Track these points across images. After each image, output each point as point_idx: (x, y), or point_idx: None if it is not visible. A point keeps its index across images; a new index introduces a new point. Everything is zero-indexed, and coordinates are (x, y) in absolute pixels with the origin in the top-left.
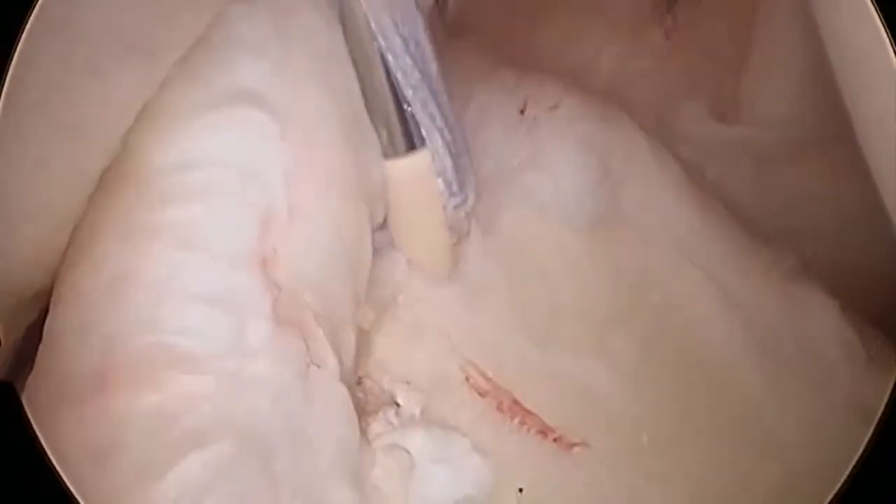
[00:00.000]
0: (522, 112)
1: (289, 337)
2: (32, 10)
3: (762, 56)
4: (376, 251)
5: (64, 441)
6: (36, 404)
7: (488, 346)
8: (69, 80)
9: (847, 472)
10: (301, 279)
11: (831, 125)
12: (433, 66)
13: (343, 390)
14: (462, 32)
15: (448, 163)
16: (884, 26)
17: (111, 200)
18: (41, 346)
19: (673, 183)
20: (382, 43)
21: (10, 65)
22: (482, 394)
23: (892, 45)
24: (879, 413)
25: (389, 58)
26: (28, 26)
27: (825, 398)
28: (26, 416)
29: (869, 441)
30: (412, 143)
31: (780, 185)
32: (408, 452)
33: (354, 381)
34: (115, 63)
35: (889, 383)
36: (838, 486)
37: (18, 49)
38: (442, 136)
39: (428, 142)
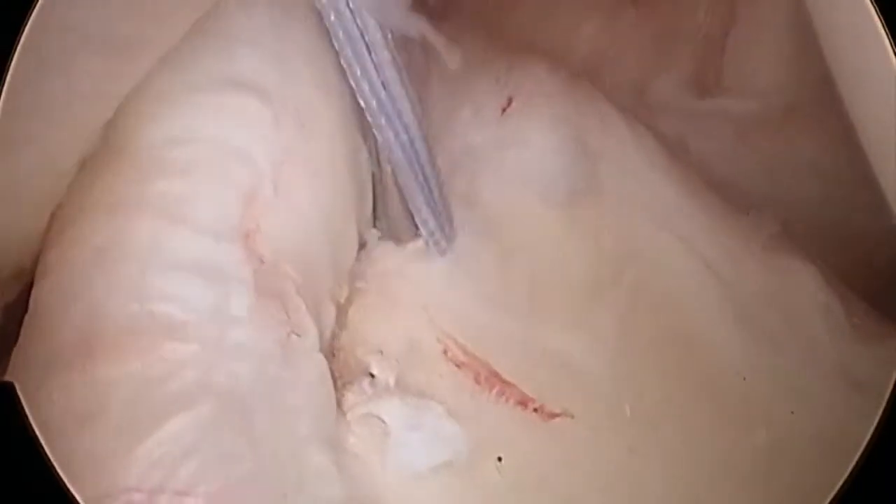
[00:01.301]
0: (505, 110)
1: (270, 307)
2: (32, 9)
3: (747, 27)
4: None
5: (50, 406)
6: (22, 372)
7: (467, 318)
8: (41, 72)
9: (847, 472)
10: (283, 253)
11: (814, 92)
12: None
13: (322, 360)
14: (445, 14)
15: (430, 219)
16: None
17: (101, 174)
18: (27, 316)
19: (650, 157)
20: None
21: (9, 65)
22: (459, 365)
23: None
24: (879, 413)
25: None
26: (28, 26)
27: (809, 366)
28: (26, 416)
29: (869, 441)
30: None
31: (763, 153)
32: (382, 421)
33: (331, 353)
34: (88, 58)
35: (874, 351)
36: (838, 486)
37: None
38: (422, 191)
39: (410, 201)
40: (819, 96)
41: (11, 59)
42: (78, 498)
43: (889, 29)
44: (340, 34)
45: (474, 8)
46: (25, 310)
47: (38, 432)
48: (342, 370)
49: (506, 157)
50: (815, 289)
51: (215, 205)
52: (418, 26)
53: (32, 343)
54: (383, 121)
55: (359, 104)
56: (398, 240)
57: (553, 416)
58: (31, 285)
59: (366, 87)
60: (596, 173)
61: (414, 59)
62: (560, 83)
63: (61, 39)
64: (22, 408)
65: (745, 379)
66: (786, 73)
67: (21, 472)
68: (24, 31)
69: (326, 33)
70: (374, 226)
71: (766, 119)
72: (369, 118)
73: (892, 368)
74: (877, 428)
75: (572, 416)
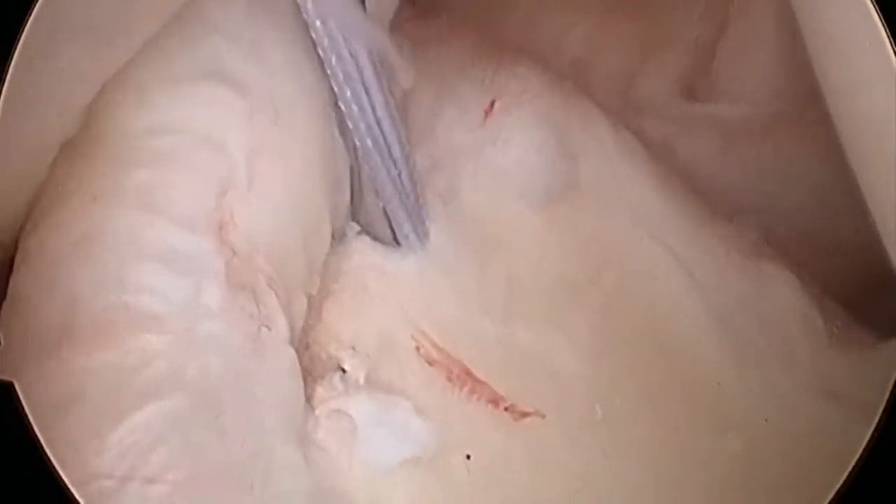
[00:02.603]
0: (488, 113)
1: (242, 300)
2: (32, 9)
3: (739, 34)
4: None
5: (28, 393)
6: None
7: (442, 316)
8: (24, 56)
9: (847, 472)
10: (256, 245)
11: (804, 101)
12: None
13: (291, 353)
14: (437, 12)
15: (403, 216)
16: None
17: (80, 162)
18: (5, 304)
19: (632, 159)
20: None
21: (9, 65)
22: (431, 363)
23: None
24: (879, 413)
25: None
26: (28, 26)
27: (786, 375)
28: (26, 416)
29: (869, 441)
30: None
31: (750, 158)
32: (350, 417)
33: (303, 347)
34: (70, 45)
35: (851, 361)
36: (838, 485)
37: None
38: (396, 189)
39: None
40: (808, 105)
41: (11, 59)
42: (78, 498)
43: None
44: (325, 41)
45: (466, 7)
46: (4, 297)
47: (37, 432)
48: (314, 364)
49: (486, 155)
50: (794, 297)
51: (190, 195)
52: (378, 41)
53: (11, 330)
54: (356, 112)
55: (336, 100)
56: (374, 236)
57: (524, 415)
58: (10, 272)
59: (341, 78)
60: (576, 174)
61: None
62: (544, 84)
63: (47, 26)
64: (22, 408)
65: (719, 384)
66: (776, 81)
67: (21, 472)
68: (24, 30)
69: (305, 29)
70: (353, 219)
71: (754, 125)
72: (346, 115)
73: (870, 379)
74: (870, 440)
75: (543, 416)
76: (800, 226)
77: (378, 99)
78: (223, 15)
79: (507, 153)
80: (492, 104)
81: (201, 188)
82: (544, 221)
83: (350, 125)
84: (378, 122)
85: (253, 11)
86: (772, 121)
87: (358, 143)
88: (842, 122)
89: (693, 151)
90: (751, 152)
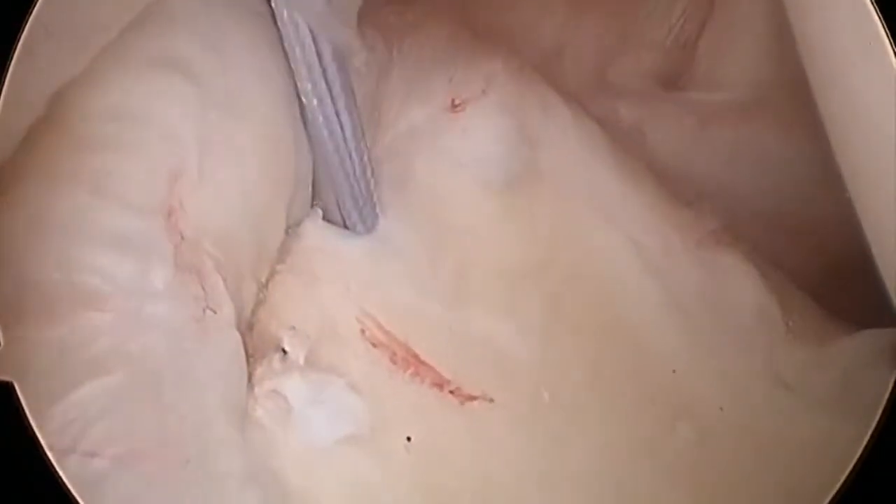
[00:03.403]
0: (453, 108)
1: (188, 282)
2: (32, 10)
3: (722, 23)
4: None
5: None
6: None
7: (390, 299)
8: None
9: (846, 473)
10: (205, 231)
11: (781, 86)
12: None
13: (236, 336)
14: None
15: (349, 202)
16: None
17: (39, 143)
18: None
19: (592, 145)
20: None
21: (9, 65)
22: (376, 344)
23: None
24: (879, 413)
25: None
26: (28, 26)
27: (741, 364)
28: (26, 416)
29: (869, 441)
30: None
31: (724, 141)
32: (284, 397)
33: (248, 327)
34: (43, 44)
35: (808, 354)
36: (838, 485)
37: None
38: (347, 175)
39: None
40: (786, 90)
41: (11, 59)
42: (78, 499)
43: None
44: (291, 33)
45: None
46: None
47: (37, 432)
48: (257, 344)
49: (444, 141)
50: (750, 288)
51: (141, 181)
52: (343, 37)
53: None
54: (315, 104)
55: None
56: (331, 220)
57: (471, 398)
58: None
59: (304, 72)
60: (535, 160)
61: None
62: (511, 74)
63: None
64: (22, 408)
65: (674, 371)
66: (757, 70)
67: (21, 472)
68: (23, 30)
69: (266, 22)
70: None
71: (732, 108)
72: (305, 106)
73: (825, 373)
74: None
75: (491, 400)
76: (771, 210)
77: (339, 93)
78: (182, 6)
79: (465, 140)
80: (455, 102)
81: (152, 174)
82: (501, 207)
83: (308, 116)
84: (337, 114)
85: (212, 3)
86: (751, 104)
87: (314, 134)
88: (829, 110)
89: (666, 134)
90: (726, 134)
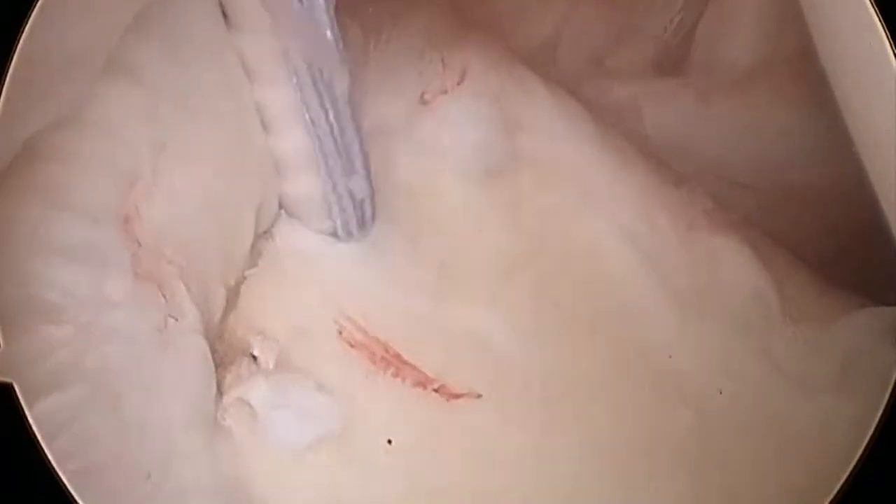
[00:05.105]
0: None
1: (148, 291)
2: (32, 10)
3: (722, 7)
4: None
5: None
6: None
7: (369, 297)
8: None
9: (847, 473)
10: (164, 238)
11: (780, 60)
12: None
13: (200, 343)
14: None
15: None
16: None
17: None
18: None
19: (577, 131)
20: None
21: (9, 65)
22: (354, 345)
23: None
24: (879, 414)
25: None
26: (28, 26)
27: (737, 345)
28: (26, 416)
29: (869, 441)
30: None
31: (725, 115)
32: (249, 404)
33: (217, 334)
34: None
35: (805, 338)
36: (839, 485)
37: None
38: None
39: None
40: (789, 67)
41: (11, 59)
42: (78, 499)
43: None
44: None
45: None
46: None
47: (37, 432)
48: (227, 351)
49: (422, 131)
50: (746, 270)
51: (95, 189)
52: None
53: None
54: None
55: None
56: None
57: (456, 396)
58: None
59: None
60: (516, 148)
61: (352, 41)
62: (489, 62)
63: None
64: (22, 408)
65: (670, 357)
66: (756, 51)
67: (21, 472)
68: (23, 30)
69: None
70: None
71: (730, 84)
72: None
73: (821, 358)
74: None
75: (479, 396)
76: (771, 184)
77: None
78: (139, 13)
79: (442, 130)
80: (426, 96)
81: (105, 181)
82: (482, 197)
83: (302, 101)
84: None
85: (166, 9)
86: (747, 80)
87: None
88: (835, 66)
89: (663, 110)
90: (727, 109)
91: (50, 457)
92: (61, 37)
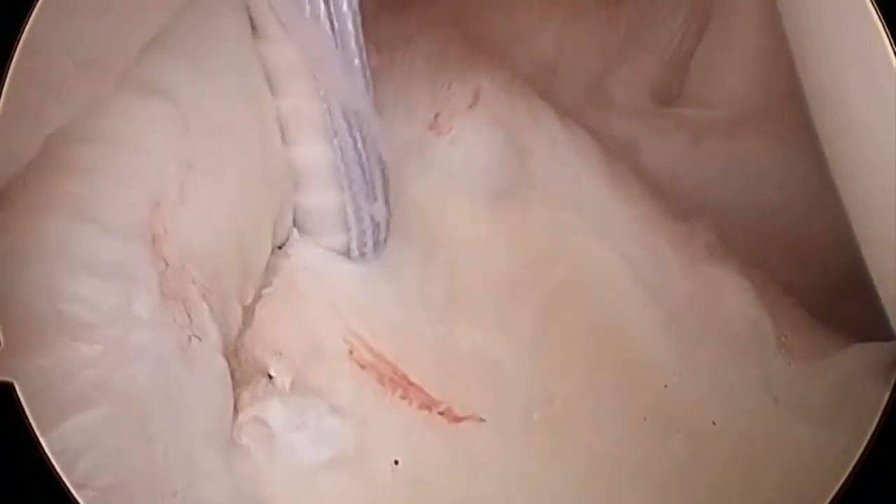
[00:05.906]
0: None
1: (173, 309)
2: (32, 10)
3: (717, 40)
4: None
5: None
6: None
7: (379, 317)
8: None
9: (847, 473)
10: (189, 256)
11: (781, 104)
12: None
13: (222, 362)
14: (401, 6)
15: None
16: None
17: (23, 171)
18: None
19: (584, 158)
20: None
21: (9, 65)
22: (364, 366)
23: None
24: (879, 414)
25: None
26: (28, 26)
27: (734, 377)
28: (26, 416)
29: (869, 441)
30: None
31: (719, 156)
32: (266, 424)
33: (233, 352)
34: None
35: (801, 370)
36: (839, 485)
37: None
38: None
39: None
40: (780, 104)
41: (11, 59)
42: (78, 499)
43: None
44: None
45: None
46: None
47: (37, 432)
48: (243, 369)
49: (434, 153)
50: (744, 302)
51: (123, 206)
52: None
53: None
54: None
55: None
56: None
57: (460, 419)
58: None
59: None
60: (526, 172)
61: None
62: (501, 87)
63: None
64: (22, 408)
65: (666, 386)
66: (751, 86)
67: (21, 472)
68: (23, 30)
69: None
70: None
71: (726, 123)
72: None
73: (816, 389)
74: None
75: (481, 420)
76: (765, 224)
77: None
78: (165, 29)
79: (453, 152)
80: (439, 119)
81: (133, 198)
82: (491, 220)
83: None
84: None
85: (195, 24)
86: (745, 119)
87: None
88: (824, 123)
89: (659, 148)
90: (721, 150)
91: (50, 457)
92: (69, 35)
